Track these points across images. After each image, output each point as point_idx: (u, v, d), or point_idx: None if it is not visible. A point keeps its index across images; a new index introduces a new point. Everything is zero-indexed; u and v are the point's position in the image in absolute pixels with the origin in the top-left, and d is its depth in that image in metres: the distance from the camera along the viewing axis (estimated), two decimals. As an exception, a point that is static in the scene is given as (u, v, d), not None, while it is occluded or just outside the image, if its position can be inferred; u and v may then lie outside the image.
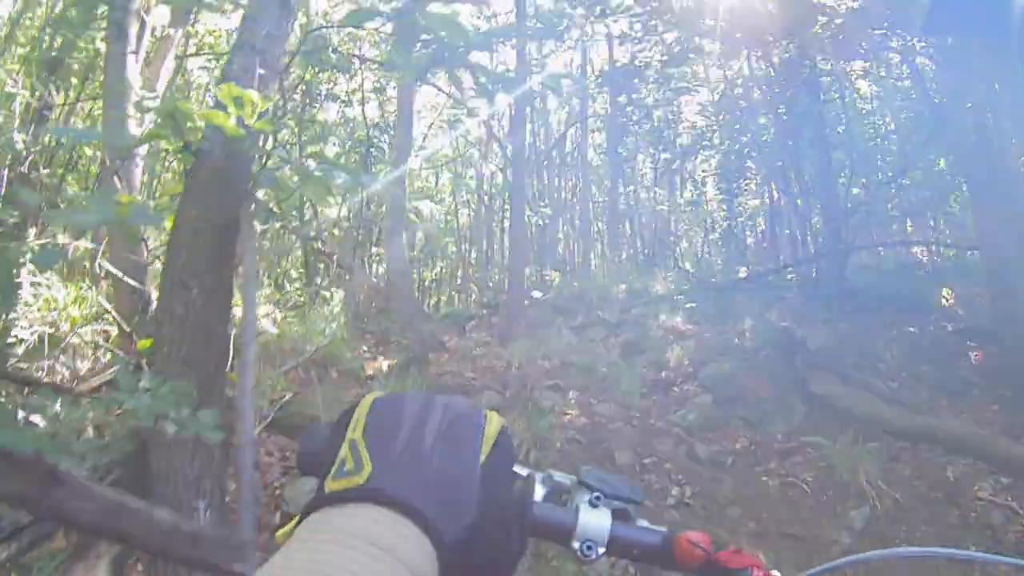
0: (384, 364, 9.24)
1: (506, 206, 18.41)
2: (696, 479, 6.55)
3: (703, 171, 19.02)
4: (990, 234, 8.52)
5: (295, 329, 9.50)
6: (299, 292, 13.43)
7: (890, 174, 12.62)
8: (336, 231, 16.93)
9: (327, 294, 12.76)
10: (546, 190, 22.16)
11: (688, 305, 11.88)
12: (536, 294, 14.73)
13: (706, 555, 0.79)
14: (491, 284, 19.03)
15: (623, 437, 7.29)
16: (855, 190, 13.07)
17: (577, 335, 11.28)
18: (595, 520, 0.81)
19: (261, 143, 3.67)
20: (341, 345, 9.22)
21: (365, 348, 10.32)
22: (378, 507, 0.56)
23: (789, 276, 13.15)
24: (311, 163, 3.51)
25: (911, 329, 9.62)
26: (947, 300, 10.45)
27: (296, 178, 3.47)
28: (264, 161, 3.64)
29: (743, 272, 14.87)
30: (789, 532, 5.72)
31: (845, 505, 5.99)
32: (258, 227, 3.92)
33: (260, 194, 3.55)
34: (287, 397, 6.94)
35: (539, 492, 0.87)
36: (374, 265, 17.01)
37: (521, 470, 0.84)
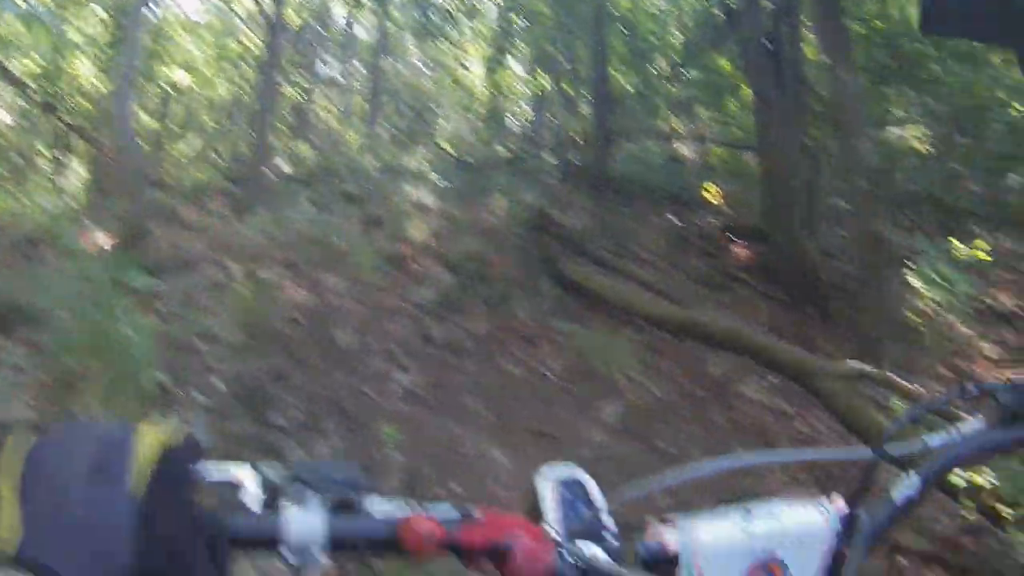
0: (104, 241, 7.86)
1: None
2: (429, 365, 5.80)
3: (472, 49, 18.20)
4: (774, 138, 8.46)
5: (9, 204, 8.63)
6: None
7: (668, 69, 12.25)
8: (88, 104, 15.25)
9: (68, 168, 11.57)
10: (309, 65, 20.99)
11: (441, 183, 11.02)
12: (284, 167, 13.94)
13: (441, 537, 0.66)
14: (240, 158, 17.73)
15: (349, 316, 6.37)
16: (627, 84, 12.55)
17: (321, 210, 10.22)
18: (308, 520, 0.67)
19: None
20: (63, 222, 8.12)
21: (95, 225, 8.84)
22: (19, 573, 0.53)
23: (553, 161, 12.70)
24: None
25: (677, 223, 9.19)
26: (715, 197, 10.08)
27: None
28: None
29: (503, 152, 14.39)
30: (536, 428, 5.05)
31: (599, 399, 5.16)
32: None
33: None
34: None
35: (252, 493, 0.71)
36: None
37: (221, 472, 0.71)
